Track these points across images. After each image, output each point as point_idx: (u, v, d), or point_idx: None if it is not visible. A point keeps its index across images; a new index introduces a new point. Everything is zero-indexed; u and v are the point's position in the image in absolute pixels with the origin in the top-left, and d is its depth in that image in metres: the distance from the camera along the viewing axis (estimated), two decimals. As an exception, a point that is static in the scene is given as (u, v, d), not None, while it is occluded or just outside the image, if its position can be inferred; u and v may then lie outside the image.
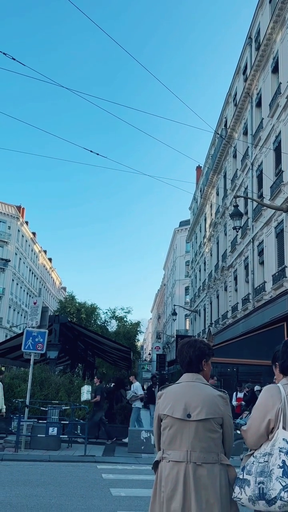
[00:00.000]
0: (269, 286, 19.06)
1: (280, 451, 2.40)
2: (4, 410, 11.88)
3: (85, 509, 5.91)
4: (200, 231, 41.58)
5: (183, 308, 47.46)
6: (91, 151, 12.85)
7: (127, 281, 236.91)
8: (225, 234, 29.04)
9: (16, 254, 58.64)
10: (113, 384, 23.40)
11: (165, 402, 2.73)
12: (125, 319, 39.07)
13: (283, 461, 2.36)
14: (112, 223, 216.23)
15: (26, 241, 64.52)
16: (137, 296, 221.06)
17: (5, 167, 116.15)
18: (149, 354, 73.73)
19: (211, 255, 34.49)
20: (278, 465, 2.37)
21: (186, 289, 53.46)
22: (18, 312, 60.78)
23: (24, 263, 63.05)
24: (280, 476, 2.33)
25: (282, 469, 2.34)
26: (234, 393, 15.33)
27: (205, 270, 37.31)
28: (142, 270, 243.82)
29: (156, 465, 2.76)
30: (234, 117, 26.68)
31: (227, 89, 30.13)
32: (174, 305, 47.35)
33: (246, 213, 22.97)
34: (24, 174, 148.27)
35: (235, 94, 28.02)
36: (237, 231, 16.87)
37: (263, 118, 21.56)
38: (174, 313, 43.53)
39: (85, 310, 35.54)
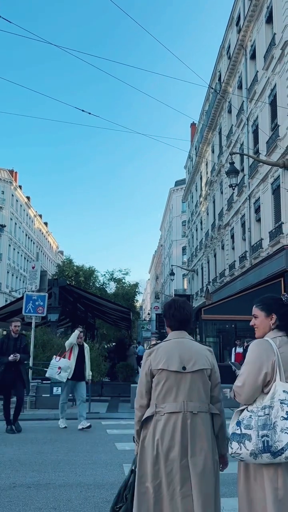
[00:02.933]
0: (266, 243, 19.10)
1: (282, 403, 2.44)
2: (90, 377, 9.70)
3: (92, 463, 6.11)
4: (196, 190, 41.25)
5: (180, 268, 47.70)
6: (82, 110, 12.57)
7: (124, 243, 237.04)
8: (221, 192, 28.82)
9: (11, 219, 58.32)
10: (114, 344, 23.83)
11: (158, 358, 2.82)
12: (123, 280, 39.38)
13: (287, 412, 2.41)
14: (106, 184, 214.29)
15: (21, 205, 64.01)
16: (135, 258, 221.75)
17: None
18: (148, 314, 74.73)
19: (207, 214, 34.34)
20: (282, 416, 2.41)
21: (183, 249, 53.56)
22: (16, 277, 61.05)
23: (19, 228, 62.80)
24: (287, 428, 2.38)
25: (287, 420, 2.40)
26: (233, 348, 15.59)
27: (201, 229, 37.25)
28: (138, 231, 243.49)
29: (146, 421, 2.78)
30: (228, 71, 25.94)
31: (220, 42, 29.18)
32: (172, 265, 47.57)
33: (242, 170, 22.71)
34: (14, 138, 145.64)
35: (229, 47, 27.14)
36: (233, 189, 16.70)
37: (257, 71, 20.97)
38: (172, 273, 43.78)
39: (83, 273, 35.75)
